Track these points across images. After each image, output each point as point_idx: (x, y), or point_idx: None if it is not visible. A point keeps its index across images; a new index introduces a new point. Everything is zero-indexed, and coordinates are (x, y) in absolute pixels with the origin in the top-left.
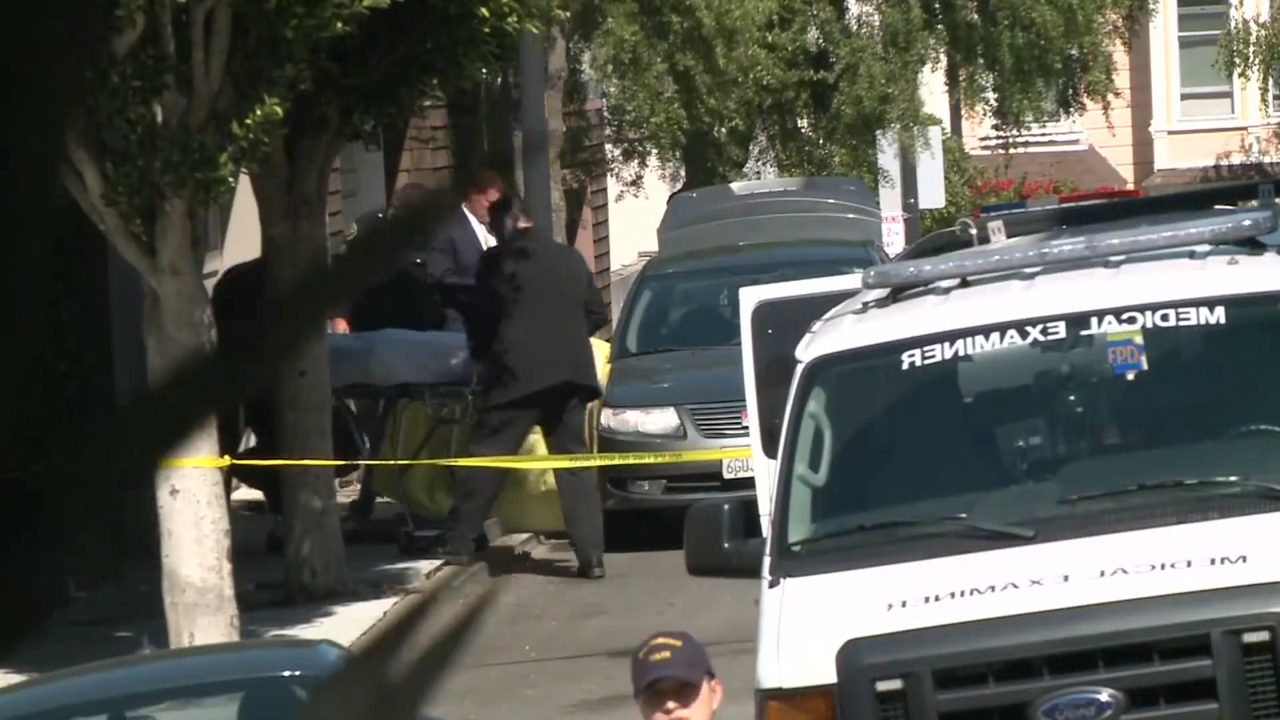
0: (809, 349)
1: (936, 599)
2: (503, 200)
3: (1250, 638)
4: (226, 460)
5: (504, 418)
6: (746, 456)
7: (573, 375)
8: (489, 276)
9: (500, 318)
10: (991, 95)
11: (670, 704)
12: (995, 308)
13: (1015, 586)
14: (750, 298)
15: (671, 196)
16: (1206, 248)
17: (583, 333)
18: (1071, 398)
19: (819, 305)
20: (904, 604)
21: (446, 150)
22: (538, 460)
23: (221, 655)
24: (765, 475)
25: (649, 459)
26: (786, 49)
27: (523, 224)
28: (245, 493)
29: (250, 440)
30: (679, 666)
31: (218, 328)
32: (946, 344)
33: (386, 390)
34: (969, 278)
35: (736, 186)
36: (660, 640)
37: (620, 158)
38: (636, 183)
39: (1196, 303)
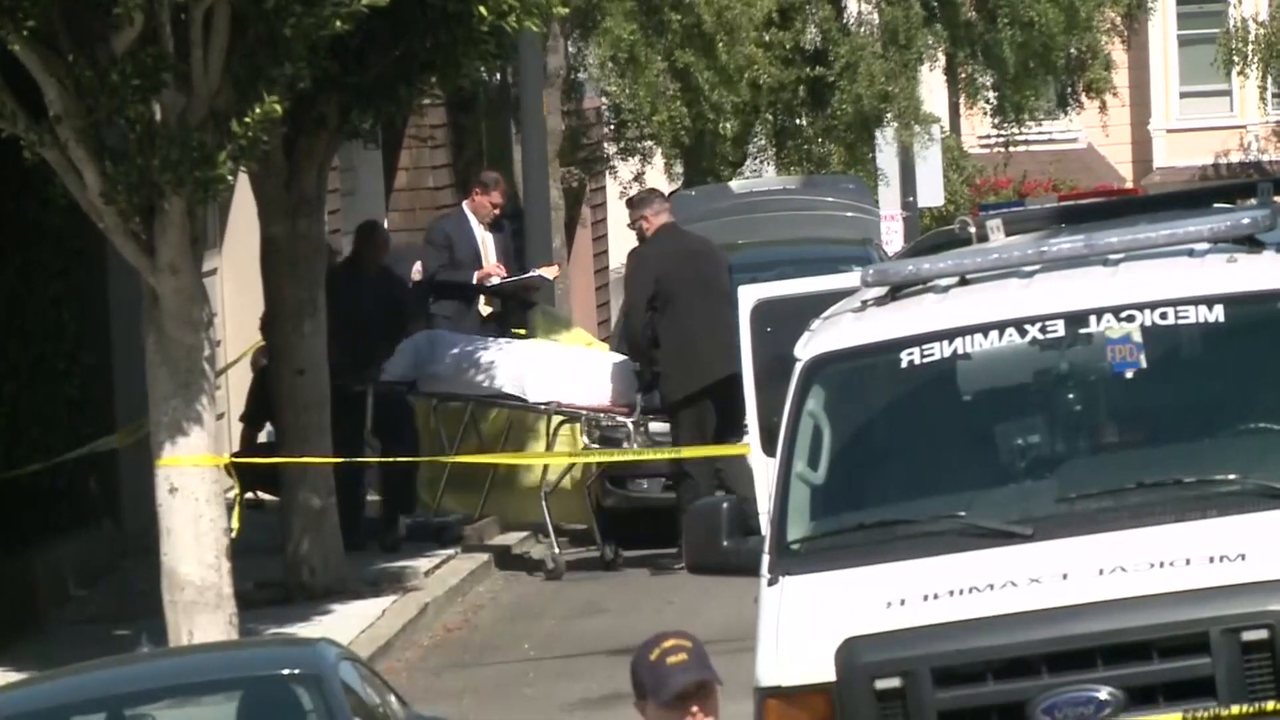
0: (808, 347)
1: (935, 597)
2: (630, 199)
3: (1249, 636)
4: (226, 459)
5: (689, 414)
6: (745, 455)
7: (735, 369)
8: (638, 275)
9: (662, 317)
10: (991, 93)
11: (695, 707)
12: (994, 306)
13: (1014, 584)
14: (749, 296)
15: (670, 195)
16: (1205, 246)
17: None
18: (1070, 396)
19: (818, 303)
20: (903, 602)
21: (445, 149)
22: (537, 457)
23: (220, 654)
24: (764, 473)
25: (648, 457)
26: (784, 47)
27: (665, 219)
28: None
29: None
30: (700, 667)
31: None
32: (945, 342)
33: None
34: (968, 276)
35: (735, 185)
36: (672, 642)
37: (619, 157)
38: (639, 179)
39: (1195, 301)
